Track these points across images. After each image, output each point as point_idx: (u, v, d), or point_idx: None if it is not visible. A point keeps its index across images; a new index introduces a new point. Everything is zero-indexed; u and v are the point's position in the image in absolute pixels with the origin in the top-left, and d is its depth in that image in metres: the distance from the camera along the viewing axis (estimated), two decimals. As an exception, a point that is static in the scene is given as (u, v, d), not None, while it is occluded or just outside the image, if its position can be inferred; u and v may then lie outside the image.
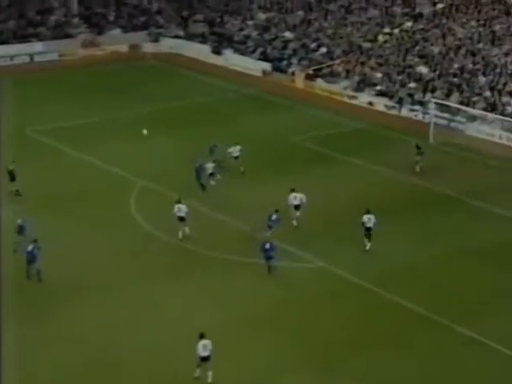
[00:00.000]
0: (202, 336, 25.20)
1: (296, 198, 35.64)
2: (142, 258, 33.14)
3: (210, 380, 25.15)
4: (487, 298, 30.39)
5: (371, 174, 42.47)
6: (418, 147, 43.26)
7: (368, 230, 33.79)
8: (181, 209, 34.56)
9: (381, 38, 62.17)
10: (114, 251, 33.64)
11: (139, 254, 33.43)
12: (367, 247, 33.91)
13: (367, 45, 61.67)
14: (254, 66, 63.48)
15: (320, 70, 60.47)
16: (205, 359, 25.05)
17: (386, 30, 63.12)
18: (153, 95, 56.83)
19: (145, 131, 44.67)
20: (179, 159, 43.55)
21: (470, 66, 55.13)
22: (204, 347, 25.03)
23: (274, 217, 34.11)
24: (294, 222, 35.62)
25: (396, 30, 62.72)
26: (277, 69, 62.39)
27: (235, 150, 42.21)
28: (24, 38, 67.80)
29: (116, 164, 43.17)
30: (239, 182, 40.67)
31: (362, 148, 46.28)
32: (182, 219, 34.54)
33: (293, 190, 35.83)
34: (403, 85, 55.54)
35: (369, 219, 33.76)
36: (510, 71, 53.30)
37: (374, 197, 38.96)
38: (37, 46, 67.12)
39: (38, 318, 28.57)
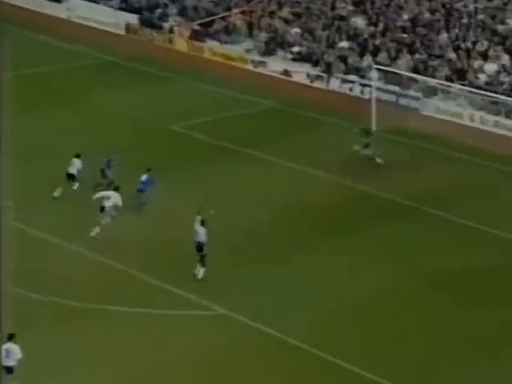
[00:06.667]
0: (10, 337, 26.16)
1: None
2: None
3: None
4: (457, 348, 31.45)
5: (288, 175, 43.31)
6: (367, 132, 45.08)
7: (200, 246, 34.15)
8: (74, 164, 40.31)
9: (298, -24, 63.12)
10: None
11: None
12: (199, 274, 34.41)
13: (278, -13, 62.48)
14: (112, 19, 63.88)
15: (211, 24, 61.03)
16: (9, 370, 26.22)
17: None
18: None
19: None
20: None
21: (427, 15, 56.44)
22: (7, 353, 26.09)
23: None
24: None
25: (320, -34, 63.78)
26: (147, 23, 62.85)
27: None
28: None
29: None
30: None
31: (274, 137, 47.18)
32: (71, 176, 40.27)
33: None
34: (332, 45, 56.48)
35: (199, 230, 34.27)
36: (480, 23, 54.75)
37: (297, 206, 40.26)
38: None
39: None
